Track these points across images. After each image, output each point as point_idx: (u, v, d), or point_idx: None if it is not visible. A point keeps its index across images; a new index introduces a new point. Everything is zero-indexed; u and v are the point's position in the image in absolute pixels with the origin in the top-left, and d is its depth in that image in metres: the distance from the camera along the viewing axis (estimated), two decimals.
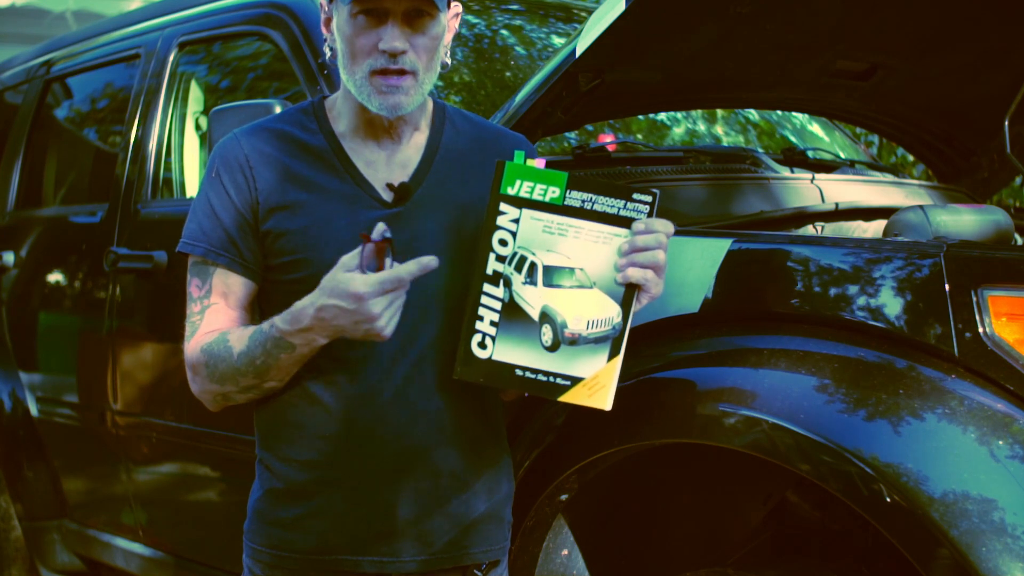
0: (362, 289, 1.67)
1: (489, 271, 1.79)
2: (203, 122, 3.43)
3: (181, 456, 3.22)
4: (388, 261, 1.70)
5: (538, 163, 1.80)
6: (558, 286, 1.78)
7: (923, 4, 2.73)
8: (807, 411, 1.83)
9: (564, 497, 2.20)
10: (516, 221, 1.79)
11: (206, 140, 2.66)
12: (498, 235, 1.79)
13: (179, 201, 3.35)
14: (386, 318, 1.70)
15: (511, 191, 1.79)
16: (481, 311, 1.80)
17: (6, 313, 3.95)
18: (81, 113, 4.16)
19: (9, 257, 3.89)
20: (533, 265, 1.79)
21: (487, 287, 1.80)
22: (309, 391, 1.87)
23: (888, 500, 1.70)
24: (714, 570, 2.12)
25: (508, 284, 1.79)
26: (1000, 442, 1.71)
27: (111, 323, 3.35)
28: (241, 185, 1.88)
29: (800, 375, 1.89)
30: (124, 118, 3.54)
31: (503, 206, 1.79)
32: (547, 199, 1.78)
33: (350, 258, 1.71)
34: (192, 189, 3.38)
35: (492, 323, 1.80)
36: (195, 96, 3.46)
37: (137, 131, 3.45)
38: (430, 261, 1.70)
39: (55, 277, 3.75)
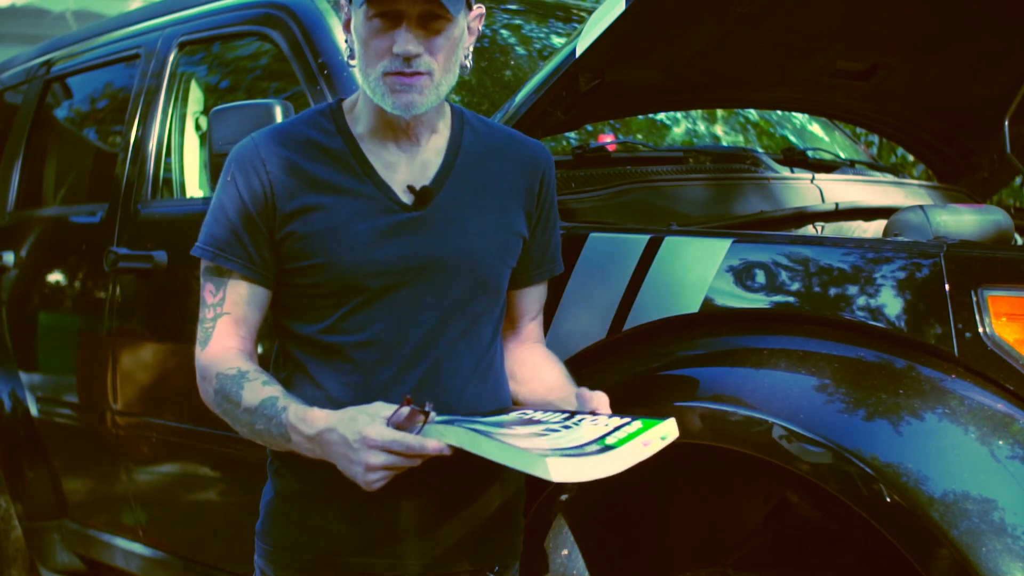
0: (374, 436, 1.68)
1: None
2: (203, 122, 3.43)
3: (181, 456, 3.21)
4: (414, 429, 1.71)
5: None
6: None
7: (923, 4, 2.73)
8: (807, 411, 1.83)
9: (564, 497, 2.20)
10: None
11: (206, 140, 2.66)
12: None
13: (179, 201, 3.35)
14: (377, 476, 1.69)
15: None
16: None
17: (6, 313, 3.95)
18: (81, 113, 4.16)
19: (9, 257, 3.89)
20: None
21: None
22: (324, 392, 1.87)
23: (888, 500, 1.70)
24: (714, 570, 2.12)
25: None
26: (1000, 442, 1.71)
27: (111, 323, 3.35)
28: (256, 189, 1.86)
29: (800, 375, 1.89)
30: (124, 118, 3.54)
31: None
32: None
33: (383, 407, 1.72)
34: (192, 189, 3.38)
35: None
36: (195, 96, 3.46)
37: (137, 131, 3.45)
38: (441, 449, 1.68)
39: (55, 277, 3.75)
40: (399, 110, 1.82)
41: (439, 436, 1.70)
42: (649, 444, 1.68)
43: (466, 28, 1.88)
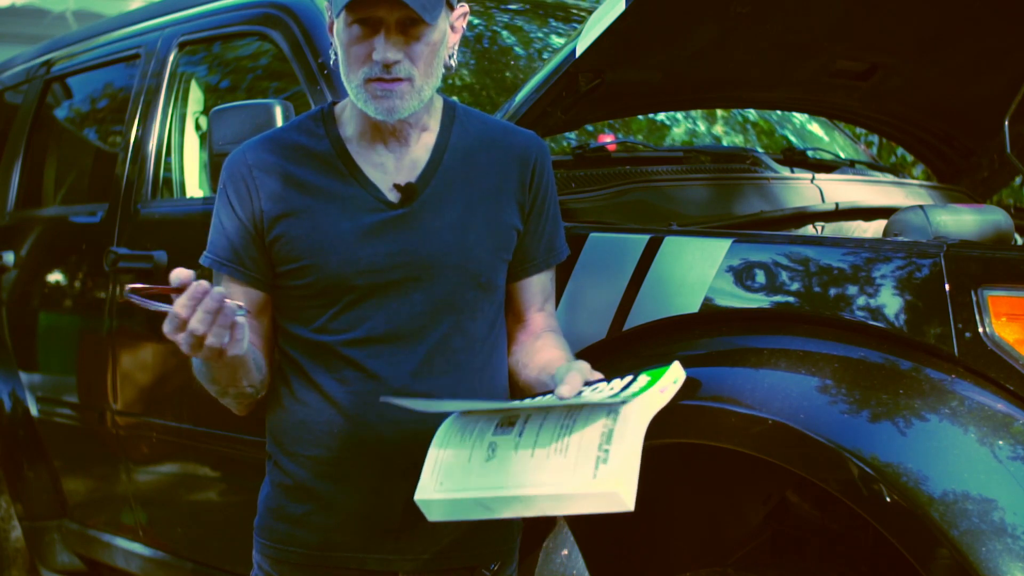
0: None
1: None
2: (203, 122, 3.43)
3: (181, 456, 3.22)
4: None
5: None
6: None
7: (923, 4, 2.73)
8: (807, 411, 1.83)
9: None
10: None
11: (206, 140, 2.66)
12: None
13: (179, 201, 3.35)
14: (197, 321, 1.62)
15: None
16: None
17: (6, 313, 3.95)
18: (81, 113, 4.16)
19: (9, 257, 3.89)
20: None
21: None
22: (319, 388, 1.88)
23: (888, 500, 1.70)
24: (714, 570, 2.12)
25: None
26: (1000, 442, 1.71)
27: (111, 323, 3.35)
28: (244, 197, 1.89)
29: (800, 375, 1.88)
30: (124, 118, 3.54)
31: None
32: None
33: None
34: (192, 189, 3.38)
35: None
36: (195, 96, 3.46)
37: (137, 131, 3.45)
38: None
39: (55, 277, 3.75)
40: (382, 115, 1.84)
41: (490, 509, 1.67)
42: (665, 391, 1.67)
43: (448, 28, 1.88)
